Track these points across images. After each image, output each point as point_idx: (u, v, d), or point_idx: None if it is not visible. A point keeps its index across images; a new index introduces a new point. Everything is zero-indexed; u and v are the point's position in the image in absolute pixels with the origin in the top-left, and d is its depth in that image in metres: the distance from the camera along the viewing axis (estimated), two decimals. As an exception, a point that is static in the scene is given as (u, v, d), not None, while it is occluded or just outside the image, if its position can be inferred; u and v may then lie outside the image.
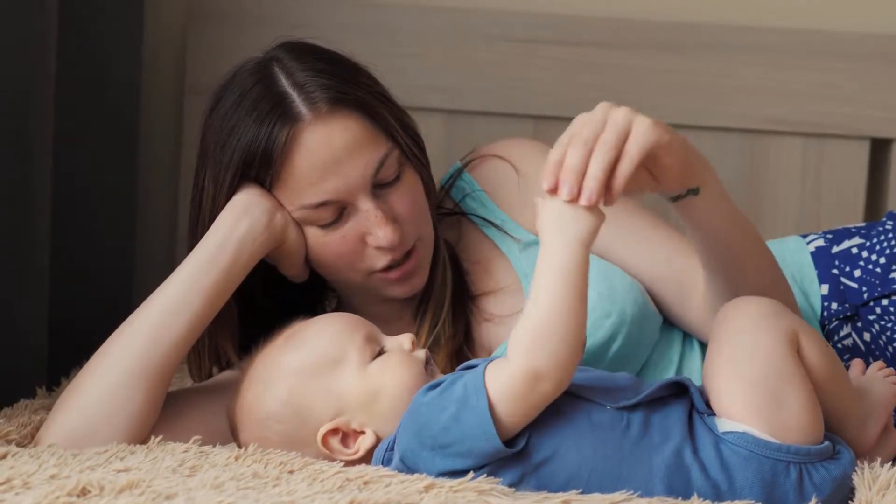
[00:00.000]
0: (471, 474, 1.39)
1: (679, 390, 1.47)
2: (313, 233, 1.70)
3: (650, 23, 2.43)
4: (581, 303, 1.40)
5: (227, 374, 1.76)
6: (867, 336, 1.83)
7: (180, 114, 2.47)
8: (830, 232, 1.95)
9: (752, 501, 1.40)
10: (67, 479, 1.37)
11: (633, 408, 1.44)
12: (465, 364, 1.49)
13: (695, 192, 1.52)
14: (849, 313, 1.85)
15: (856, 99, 2.40)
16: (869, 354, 1.82)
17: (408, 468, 1.43)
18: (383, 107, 1.71)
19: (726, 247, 1.59)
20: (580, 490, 1.39)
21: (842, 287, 1.87)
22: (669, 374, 1.76)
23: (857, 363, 1.67)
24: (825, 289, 1.87)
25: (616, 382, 1.47)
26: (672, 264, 1.75)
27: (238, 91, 1.69)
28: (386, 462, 1.46)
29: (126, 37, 2.28)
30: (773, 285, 1.64)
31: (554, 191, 1.42)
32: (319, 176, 1.66)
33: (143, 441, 1.61)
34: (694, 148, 1.51)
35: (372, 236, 1.69)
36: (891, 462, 1.51)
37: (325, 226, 1.69)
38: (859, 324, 1.84)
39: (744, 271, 1.61)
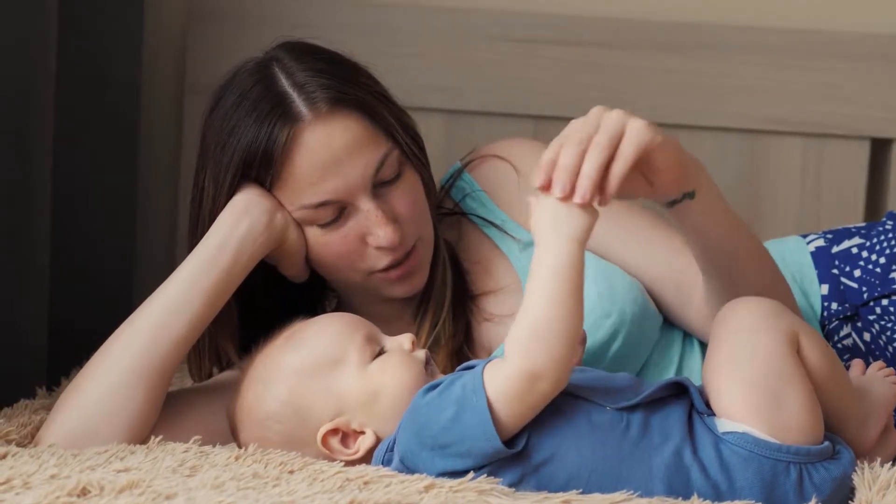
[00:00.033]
0: (471, 474, 1.39)
1: (679, 391, 1.47)
2: (314, 233, 1.70)
3: (650, 23, 2.43)
4: (577, 300, 1.40)
5: (227, 374, 1.76)
6: (867, 336, 1.83)
7: (180, 114, 2.47)
8: (830, 232, 1.95)
9: (752, 502, 1.40)
10: (67, 479, 1.37)
11: (632, 408, 1.44)
12: (464, 364, 1.49)
13: (691, 195, 1.52)
14: (849, 313, 1.85)
15: (856, 99, 2.40)
16: (869, 354, 1.82)
17: (408, 469, 1.43)
18: (383, 107, 1.72)
19: (724, 249, 1.59)
20: (580, 490, 1.39)
21: (842, 287, 1.87)
22: (669, 374, 1.76)
23: (857, 363, 1.67)
24: (825, 289, 1.87)
25: (616, 383, 1.47)
26: (672, 264, 1.75)
27: (238, 91, 1.69)
28: (386, 462, 1.46)
29: (126, 37, 2.28)
30: (773, 286, 1.64)
31: (546, 188, 1.42)
32: (320, 176, 1.66)
33: (144, 441, 1.61)
34: (687, 151, 1.50)
35: (372, 236, 1.69)
36: (891, 462, 1.51)
37: (326, 226, 1.69)
38: (859, 324, 1.84)
39: (743, 273, 1.61)
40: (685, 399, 1.46)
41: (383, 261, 1.70)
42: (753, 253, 1.63)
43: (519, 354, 1.39)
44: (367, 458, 1.48)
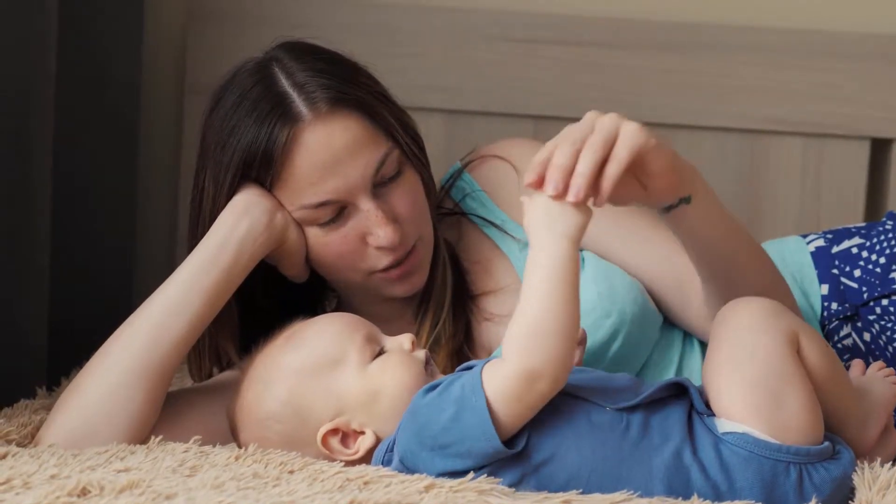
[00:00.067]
0: (471, 474, 1.39)
1: (678, 391, 1.47)
2: (314, 233, 1.70)
3: (650, 23, 2.43)
4: (573, 298, 1.40)
5: (227, 374, 1.76)
6: (867, 336, 1.83)
7: (180, 114, 2.47)
8: (830, 232, 1.95)
9: (752, 502, 1.40)
10: (67, 479, 1.37)
11: (632, 409, 1.44)
12: (464, 365, 1.49)
13: (687, 200, 1.51)
14: (849, 313, 1.85)
15: (856, 99, 2.40)
16: (869, 354, 1.82)
17: (407, 469, 1.43)
18: (383, 107, 1.72)
19: (722, 253, 1.59)
20: (580, 490, 1.39)
21: (842, 287, 1.87)
22: (669, 374, 1.76)
23: (857, 363, 1.67)
24: (825, 289, 1.87)
25: (615, 383, 1.47)
26: (672, 264, 1.75)
27: (238, 91, 1.69)
28: (386, 463, 1.46)
29: (126, 37, 2.28)
30: (772, 286, 1.64)
31: (538, 185, 1.42)
32: (320, 176, 1.66)
33: (144, 441, 1.61)
34: (682, 157, 1.50)
35: (373, 236, 1.69)
36: (891, 462, 1.51)
37: (326, 226, 1.69)
38: (859, 324, 1.84)
39: (742, 275, 1.61)
40: (685, 399, 1.46)
41: (383, 261, 1.71)
42: (751, 255, 1.63)
43: (516, 354, 1.39)
44: (366, 459, 1.48)
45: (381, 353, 1.52)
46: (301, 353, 1.52)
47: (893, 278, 1.84)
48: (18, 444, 1.60)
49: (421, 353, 1.53)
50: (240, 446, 1.54)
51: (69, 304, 2.12)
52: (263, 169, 1.67)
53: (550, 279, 1.39)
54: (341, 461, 1.47)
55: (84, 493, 1.34)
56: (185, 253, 1.71)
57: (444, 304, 1.76)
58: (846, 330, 1.85)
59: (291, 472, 1.44)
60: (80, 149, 2.17)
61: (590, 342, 1.66)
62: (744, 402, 1.42)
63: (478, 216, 1.83)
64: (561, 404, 1.42)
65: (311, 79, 1.67)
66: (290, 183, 1.67)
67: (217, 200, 1.69)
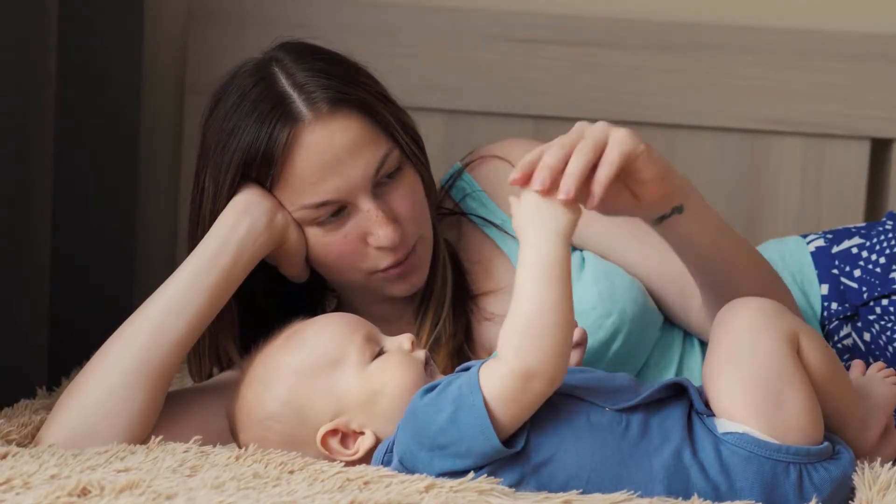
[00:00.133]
0: (471, 474, 1.39)
1: (678, 391, 1.47)
2: (314, 233, 1.70)
3: (650, 23, 2.43)
4: (566, 296, 1.40)
5: (227, 374, 1.76)
6: (867, 336, 1.83)
7: (180, 114, 2.47)
8: (830, 232, 1.95)
9: (752, 502, 1.40)
10: (68, 479, 1.37)
11: (632, 409, 1.43)
12: (462, 365, 1.49)
13: (679, 210, 1.51)
14: (849, 313, 1.85)
15: (856, 99, 2.40)
16: (869, 354, 1.82)
17: (407, 469, 1.43)
18: (383, 107, 1.72)
19: (719, 259, 1.59)
20: (580, 491, 1.39)
21: (842, 287, 1.87)
22: (670, 373, 1.76)
23: (857, 364, 1.67)
24: (825, 289, 1.87)
25: (615, 384, 1.47)
26: (672, 264, 1.74)
27: (238, 92, 1.69)
28: (385, 463, 1.46)
29: (126, 37, 2.28)
30: (771, 287, 1.64)
31: (523, 182, 1.42)
32: (320, 176, 1.66)
33: (144, 441, 1.61)
34: (671, 164, 1.50)
35: (373, 236, 1.69)
36: (891, 462, 1.51)
37: (326, 226, 1.69)
38: (859, 324, 1.84)
39: (741, 279, 1.61)
40: (685, 400, 1.46)
41: (384, 261, 1.71)
42: (748, 261, 1.62)
43: (511, 354, 1.39)
44: (366, 459, 1.48)
45: (380, 353, 1.52)
46: (301, 353, 1.52)
47: (893, 278, 1.84)
48: (19, 444, 1.60)
49: (421, 354, 1.53)
50: (240, 446, 1.54)
51: (69, 303, 2.13)
52: (264, 169, 1.67)
53: (542, 278, 1.39)
54: (341, 461, 1.47)
55: (84, 493, 1.34)
56: (185, 253, 1.71)
57: (444, 303, 1.76)
58: (846, 330, 1.85)
59: (291, 472, 1.44)
60: (80, 149, 2.18)
61: (590, 342, 1.66)
62: (744, 402, 1.42)
63: (478, 216, 1.83)
64: (560, 405, 1.42)
65: (312, 79, 1.68)
66: (290, 183, 1.67)
67: (217, 200, 1.69)
